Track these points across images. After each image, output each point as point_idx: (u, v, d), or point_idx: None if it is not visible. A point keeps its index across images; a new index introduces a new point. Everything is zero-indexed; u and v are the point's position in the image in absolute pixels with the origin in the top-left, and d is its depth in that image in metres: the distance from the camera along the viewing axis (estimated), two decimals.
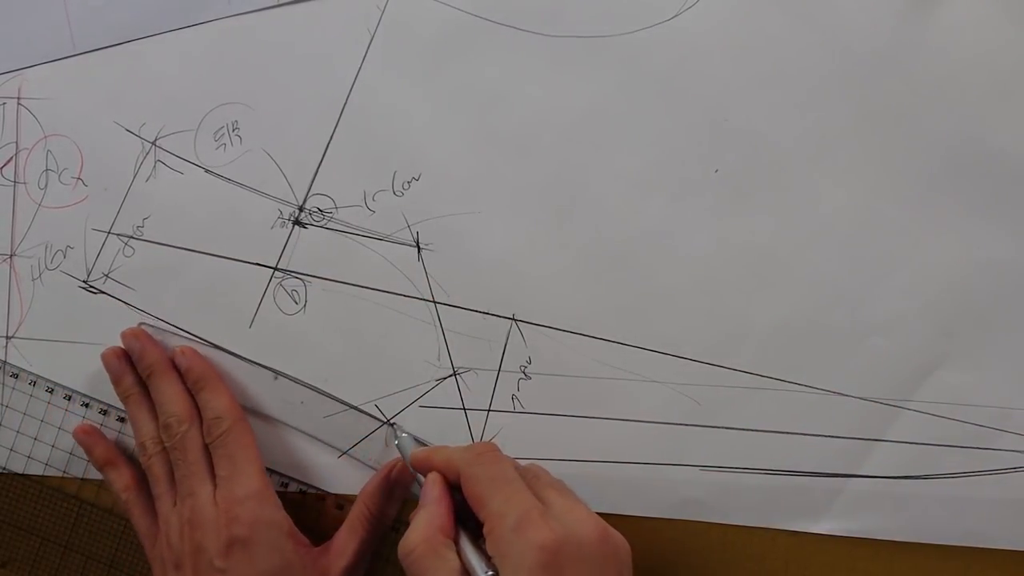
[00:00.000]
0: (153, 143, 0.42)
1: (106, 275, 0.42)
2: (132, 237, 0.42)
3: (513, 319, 0.39)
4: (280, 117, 0.42)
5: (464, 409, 0.39)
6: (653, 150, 0.39)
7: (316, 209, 0.41)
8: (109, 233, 0.43)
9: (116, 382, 0.41)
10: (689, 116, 0.38)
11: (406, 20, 0.41)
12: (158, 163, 0.42)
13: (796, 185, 0.37)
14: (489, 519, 0.30)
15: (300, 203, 0.41)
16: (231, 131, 0.42)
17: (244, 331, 0.41)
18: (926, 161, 0.37)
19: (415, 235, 0.40)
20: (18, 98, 0.44)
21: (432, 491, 0.33)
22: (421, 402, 0.40)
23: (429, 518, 0.32)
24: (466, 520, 0.32)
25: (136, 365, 0.41)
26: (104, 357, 0.41)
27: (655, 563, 0.38)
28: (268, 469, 0.40)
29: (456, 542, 0.32)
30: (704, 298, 0.38)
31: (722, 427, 0.38)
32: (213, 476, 0.38)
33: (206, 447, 0.38)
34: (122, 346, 0.41)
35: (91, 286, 0.43)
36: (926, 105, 0.37)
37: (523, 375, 0.39)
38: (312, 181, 0.41)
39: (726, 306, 0.38)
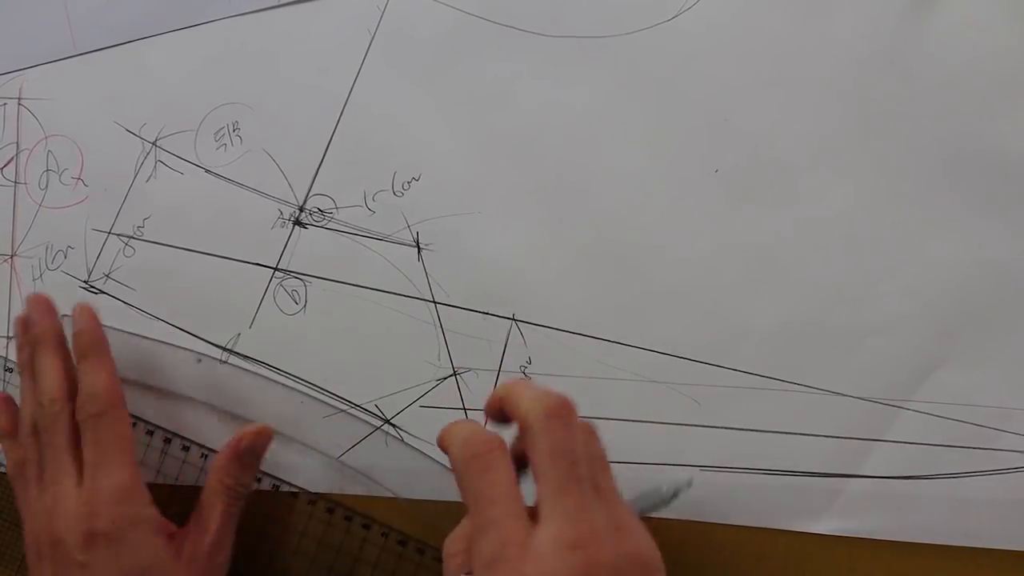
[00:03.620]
0: (154, 143, 0.42)
1: (107, 275, 0.42)
2: (132, 237, 0.42)
3: (513, 319, 0.39)
4: (280, 117, 0.42)
5: (464, 409, 0.39)
6: (653, 150, 0.39)
7: (316, 209, 0.41)
8: (109, 233, 0.43)
9: (18, 351, 0.39)
10: (689, 116, 0.38)
11: (406, 20, 0.41)
12: (158, 163, 0.42)
13: (796, 185, 0.37)
14: (473, 533, 0.28)
15: (300, 203, 0.41)
16: (231, 131, 0.42)
17: (244, 331, 0.41)
18: (926, 161, 0.37)
19: (415, 235, 0.40)
20: (19, 98, 0.44)
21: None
22: (421, 402, 0.40)
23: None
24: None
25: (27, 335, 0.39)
26: (14, 323, 0.39)
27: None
28: (268, 474, 0.40)
29: None
30: (704, 298, 0.38)
31: (722, 427, 0.38)
32: (81, 462, 0.36)
33: (77, 429, 0.37)
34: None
35: (92, 286, 0.43)
36: (926, 105, 0.37)
37: (523, 375, 0.39)
38: (312, 181, 0.41)
39: (726, 306, 0.38)
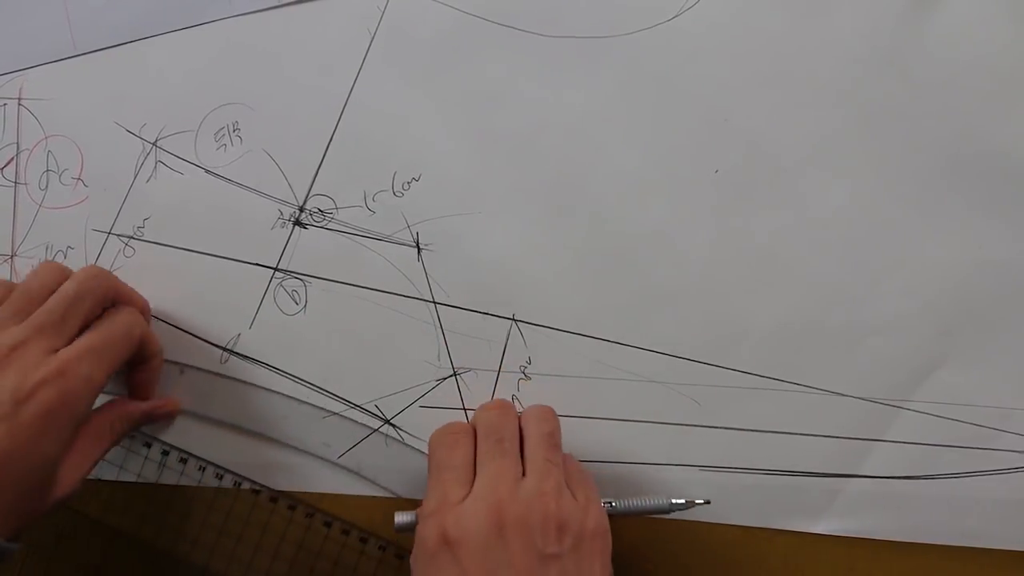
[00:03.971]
0: (154, 143, 0.42)
1: None
2: (132, 237, 0.42)
3: (513, 319, 0.39)
4: (280, 117, 0.42)
5: (464, 409, 0.39)
6: (653, 150, 0.39)
7: (316, 209, 0.41)
8: (109, 233, 0.43)
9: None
10: (689, 116, 0.38)
11: (406, 20, 0.41)
12: (159, 163, 0.42)
13: (796, 185, 0.37)
14: (424, 495, 0.34)
15: (300, 203, 0.41)
16: (231, 131, 0.42)
17: (244, 331, 0.41)
18: (926, 161, 0.37)
19: (415, 235, 0.40)
20: (19, 99, 0.44)
21: None
22: (421, 402, 0.40)
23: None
24: None
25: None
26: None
27: (655, 563, 0.38)
28: (260, 485, 0.40)
29: None
30: (704, 298, 0.38)
31: (722, 427, 0.38)
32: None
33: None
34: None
35: None
36: (926, 105, 0.37)
37: (523, 375, 0.39)
38: (312, 181, 0.41)
39: (726, 306, 0.38)
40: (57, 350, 0.34)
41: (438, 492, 0.33)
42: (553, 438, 0.34)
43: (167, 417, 0.41)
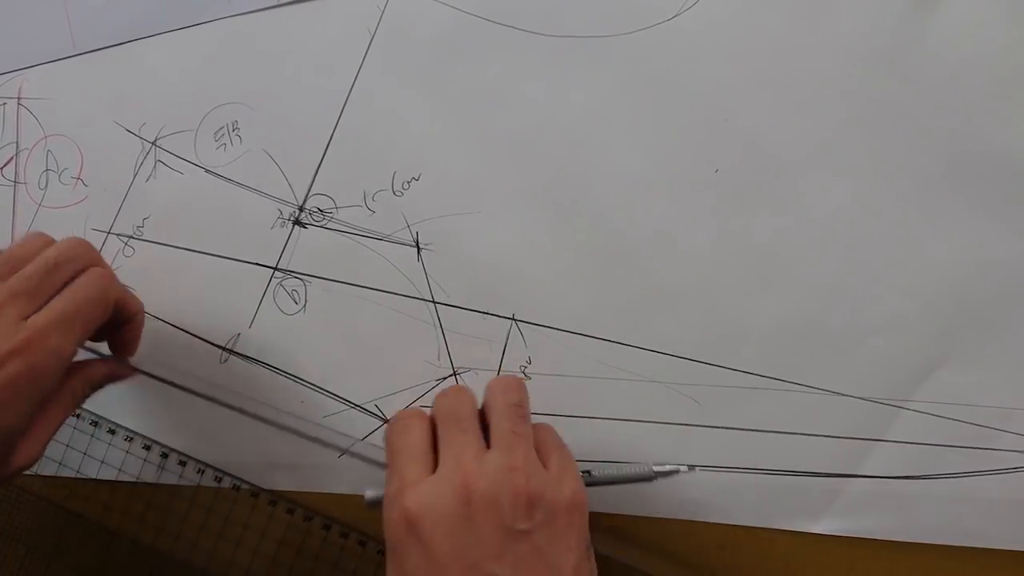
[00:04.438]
0: (153, 143, 0.42)
1: None
2: (132, 237, 0.42)
3: (513, 319, 0.39)
4: (280, 117, 0.42)
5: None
6: (653, 150, 0.39)
7: (316, 209, 0.41)
8: (109, 233, 0.43)
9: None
10: (689, 116, 0.38)
11: (406, 20, 0.41)
12: (158, 163, 0.42)
13: (796, 185, 0.37)
14: (385, 482, 0.32)
15: (300, 203, 0.41)
16: (231, 131, 0.42)
17: (244, 331, 0.41)
18: (926, 161, 0.37)
19: (415, 235, 0.40)
20: (18, 98, 0.44)
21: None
22: (421, 402, 0.39)
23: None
24: None
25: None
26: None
27: (655, 563, 0.38)
28: (259, 488, 0.40)
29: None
30: (704, 298, 0.38)
31: (722, 427, 0.38)
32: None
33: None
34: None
35: None
36: (926, 105, 0.37)
37: (523, 375, 0.39)
38: (312, 181, 0.41)
39: (726, 306, 0.38)
40: (28, 316, 0.33)
41: (396, 476, 0.31)
42: (520, 409, 0.33)
43: (128, 374, 0.38)
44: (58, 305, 0.34)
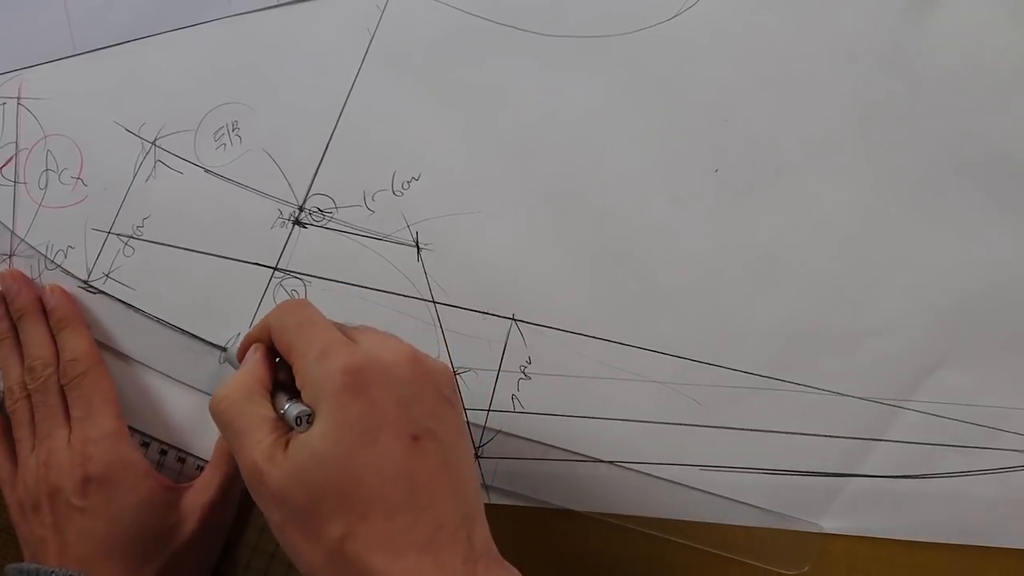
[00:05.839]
0: (153, 143, 0.42)
1: (106, 275, 0.42)
2: (132, 237, 0.42)
3: (513, 319, 0.39)
4: (280, 117, 0.42)
5: (464, 409, 0.39)
6: (653, 150, 0.39)
7: (316, 209, 0.41)
8: (109, 233, 0.43)
9: None
10: (689, 116, 0.38)
11: (406, 20, 0.41)
12: (158, 163, 0.42)
13: (796, 185, 0.37)
14: (296, 359, 0.30)
15: (300, 203, 0.41)
16: (231, 131, 0.42)
17: (244, 331, 0.41)
18: (926, 161, 0.37)
19: (415, 235, 0.40)
20: (18, 98, 0.44)
21: (251, 356, 0.32)
22: None
23: (244, 372, 0.31)
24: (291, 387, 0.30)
25: (9, 307, 0.41)
26: None
27: (655, 563, 0.38)
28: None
29: (272, 395, 0.31)
30: (704, 298, 0.38)
31: (722, 427, 0.38)
32: (70, 419, 0.38)
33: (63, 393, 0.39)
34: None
35: (91, 286, 0.42)
36: (926, 105, 0.37)
37: (523, 375, 0.39)
38: (312, 181, 0.41)
39: (726, 306, 0.38)
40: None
41: (320, 339, 0.30)
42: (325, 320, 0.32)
43: None
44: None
